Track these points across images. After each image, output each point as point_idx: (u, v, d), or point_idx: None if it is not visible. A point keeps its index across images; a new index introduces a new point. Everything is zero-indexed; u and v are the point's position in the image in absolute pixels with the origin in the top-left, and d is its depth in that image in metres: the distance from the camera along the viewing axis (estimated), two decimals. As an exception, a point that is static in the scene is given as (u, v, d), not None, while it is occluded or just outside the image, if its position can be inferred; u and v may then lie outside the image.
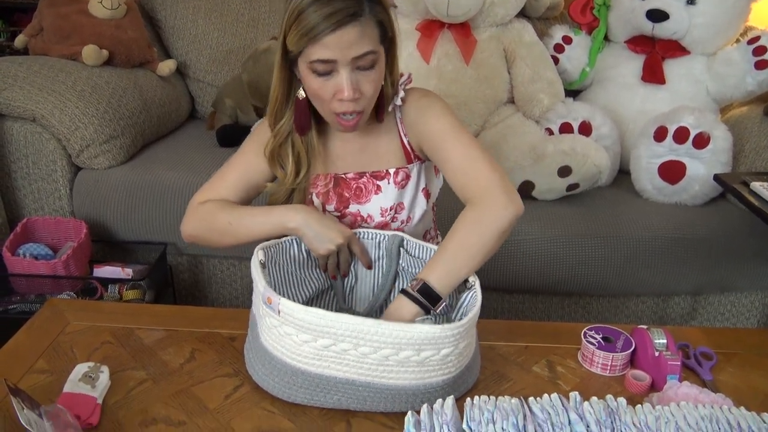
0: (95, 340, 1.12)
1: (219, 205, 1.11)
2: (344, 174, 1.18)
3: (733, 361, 1.13)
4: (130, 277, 1.55)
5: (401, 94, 1.13)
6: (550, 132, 1.84)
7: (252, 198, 1.19)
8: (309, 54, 1.00)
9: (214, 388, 1.02)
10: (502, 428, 0.78)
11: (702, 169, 1.63)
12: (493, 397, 0.85)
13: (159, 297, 1.64)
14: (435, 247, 1.09)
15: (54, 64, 1.78)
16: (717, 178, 1.49)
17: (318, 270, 1.13)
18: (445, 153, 1.10)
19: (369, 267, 1.13)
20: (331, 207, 1.18)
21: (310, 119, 1.13)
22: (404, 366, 0.92)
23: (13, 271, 1.50)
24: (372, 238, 1.14)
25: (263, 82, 2.00)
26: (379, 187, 1.18)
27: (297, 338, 0.93)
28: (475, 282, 1.01)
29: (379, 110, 1.12)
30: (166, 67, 2.09)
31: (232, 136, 1.94)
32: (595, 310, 1.72)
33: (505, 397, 0.85)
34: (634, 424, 0.80)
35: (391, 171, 1.17)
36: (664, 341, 1.08)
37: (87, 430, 0.92)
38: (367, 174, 1.18)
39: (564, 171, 1.63)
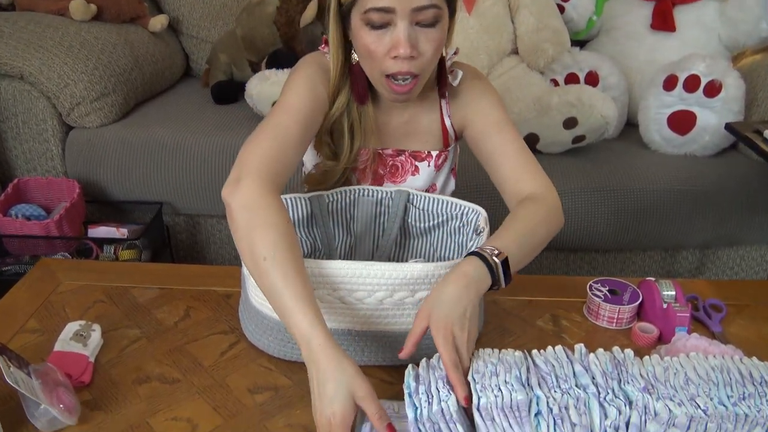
0: (88, 299, 1.09)
1: (275, 221, 0.84)
2: (382, 150, 1.11)
3: (744, 313, 1.09)
4: (125, 237, 1.52)
5: (459, 74, 1.05)
6: (556, 83, 1.78)
7: (309, 144, 1.03)
8: (364, 2, 0.91)
9: (209, 346, 0.99)
10: (505, 381, 0.75)
11: (713, 118, 1.57)
12: (496, 350, 0.82)
13: (156, 257, 1.61)
14: (444, 197, 1.05)
15: (41, 19, 1.72)
16: (729, 126, 1.43)
17: (313, 230, 1.09)
18: (501, 145, 1.03)
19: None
20: (365, 186, 1.10)
21: (368, 86, 1.03)
22: (400, 309, 0.89)
23: (5, 232, 1.47)
24: (371, 195, 1.09)
25: (258, 35, 1.93)
26: (417, 168, 1.12)
27: (290, 293, 0.89)
28: (485, 228, 0.96)
29: (441, 82, 1.04)
30: (158, 22, 2.02)
31: (228, 93, 1.88)
32: (601, 266, 1.68)
33: (509, 350, 0.82)
34: (641, 376, 0.76)
35: (434, 153, 1.11)
36: (673, 293, 1.04)
37: (79, 388, 0.90)
38: (407, 153, 1.11)
39: (570, 123, 1.57)
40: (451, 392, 0.74)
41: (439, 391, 0.74)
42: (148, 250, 1.55)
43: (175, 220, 1.74)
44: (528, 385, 0.75)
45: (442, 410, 0.72)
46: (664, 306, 1.02)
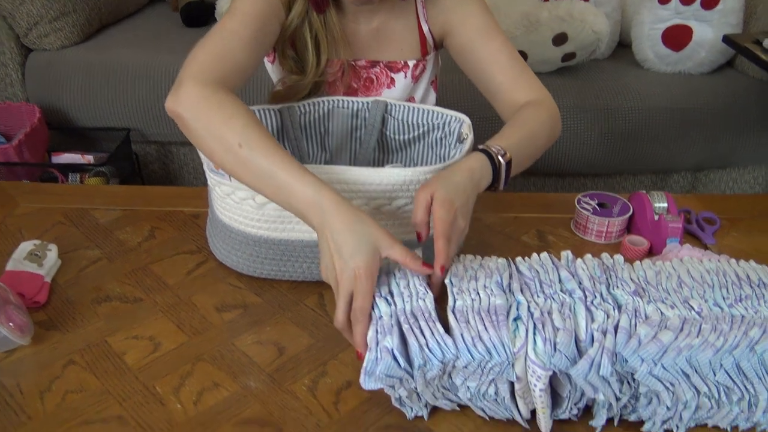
0: (46, 221, 1.03)
1: (235, 111, 0.76)
2: (354, 61, 1.03)
3: (738, 226, 1.04)
4: (91, 163, 1.44)
5: None
6: (545, -1, 1.68)
7: (266, 53, 0.96)
8: None
9: (174, 265, 0.94)
10: (485, 285, 0.70)
11: (710, 32, 1.49)
12: (479, 257, 0.76)
13: (127, 187, 1.54)
14: (425, 106, 0.98)
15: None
16: (727, 38, 1.36)
17: (284, 145, 1.02)
18: (491, 54, 0.96)
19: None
20: (339, 96, 1.02)
21: None
22: (376, 218, 0.83)
23: (-37, 160, 1.39)
24: (346, 107, 1.02)
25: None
26: (393, 80, 1.04)
27: (255, 201, 0.83)
28: (469, 135, 0.90)
29: None
30: (122, -60, 1.89)
31: (198, 15, 1.77)
32: (591, 190, 1.63)
33: (492, 257, 0.76)
34: (631, 280, 0.71)
35: (410, 63, 1.03)
36: (665, 204, 0.99)
37: (34, 309, 0.84)
38: (382, 64, 1.03)
39: (559, 39, 1.49)
40: (428, 290, 0.68)
41: (417, 289, 0.69)
42: (116, 178, 1.48)
43: (146, 150, 1.66)
44: (509, 291, 0.70)
45: (420, 308, 0.67)
46: (656, 217, 0.97)
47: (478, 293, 0.68)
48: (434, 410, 0.71)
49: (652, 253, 0.96)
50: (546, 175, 1.60)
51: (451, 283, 0.70)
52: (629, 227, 1.02)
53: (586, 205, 1.02)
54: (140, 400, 0.72)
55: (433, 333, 0.64)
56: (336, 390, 0.74)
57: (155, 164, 1.68)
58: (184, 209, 1.07)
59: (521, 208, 1.08)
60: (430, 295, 0.68)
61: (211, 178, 0.87)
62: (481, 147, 0.81)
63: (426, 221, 0.73)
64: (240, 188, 0.83)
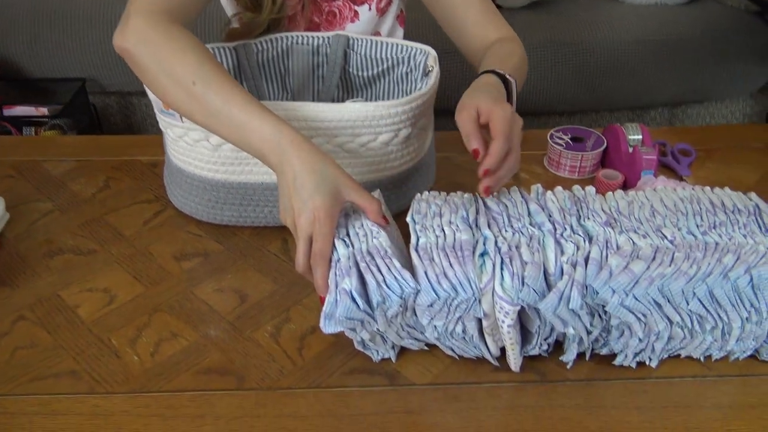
0: (-6, 174, 0.97)
1: (188, 45, 0.70)
2: None
3: (714, 156, 1.02)
4: (45, 116, 1.37)
5: None
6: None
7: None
8: None
9: (130, 215, 0.89)
10: (450, 221, 0.66)
11: (687, -40, 1.44)
12: (443, 193, 0.73)
13: (87, 141, 1.47)
14: (388, 39, 0.93)
15: None
16: (704, -35, 1.31)
17: (247, 83, 0.96)
18: None
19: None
20: (298, 32, 0.96)
21: None
22: (339, 157, 0.79)
23: None
24: (306, 43, 0.96)
25: None
26: (356, 14, 0.98)
27: (210, 143, 0.78)
28: (434, 67, 0.85)
29: None
30: None
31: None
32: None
33: (458, 192, 0.73)
34: (603, 210, 0.69)
35: None
36: (639, 136, 0.96)
37: (-19, 264, 0.80)
38: None
39: (532, -29, 1.43)
40: (381, 230, 0.65)
41: (371, 229, 0.66)
42: (74, 131, 1.41)
43: (105, 101, 1.58)
44: (476, 226, 0.67)
45: (376, 246, 0.63)
46: (630, 150, 0.94)
47: (442, 229, 0.65)
48: (402, 352, 0.69)
49: (626, 186, 0.93)
50: (521, 114, 1.56)
51: (414, 221, 0.66)
52: (603, 161, 0.99)
53: (558, 140, 0.98)
54: (95, 353, 0.68)
55: (390, 269, 0.61)
56: (300, 336, 0.71)
57: (116, 116, 1.61)
58: (141, 158, 1.02)
59: (493, 146, 1.05)
60: (384, 234, 0.65)
61: (162, 120, 0.82)
62: (484, 71, 0.78)
63: (481, 137, 0.69)
64: (193, 129, 0.79)
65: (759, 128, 1.13)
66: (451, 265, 0.61)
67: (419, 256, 0.62)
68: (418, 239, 0.64)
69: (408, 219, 0.67)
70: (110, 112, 1.60)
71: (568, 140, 0.98)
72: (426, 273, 0.61)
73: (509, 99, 0.78)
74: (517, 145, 0.70)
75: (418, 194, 0.72)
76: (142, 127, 1.60)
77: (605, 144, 0.97)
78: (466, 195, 0.72)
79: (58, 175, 0.98)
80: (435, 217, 0.67)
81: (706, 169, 0.99)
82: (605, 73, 1.46)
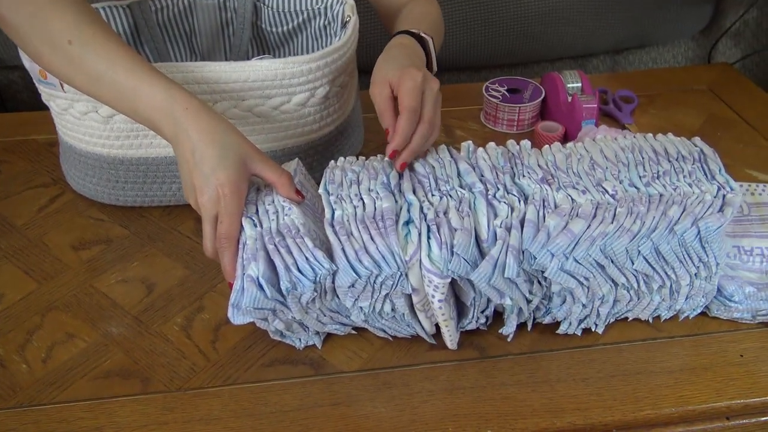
0: None
1: (65, 3, 0.59)
2: None
3: (657, 102, 0.97)
4: (-65, 96, 1.23)
5: None
6: None
7: None
8: None
9: (23, 203, 0.79)
10: (369, 189, 0.59)
11: None
12: (362, 158, 0.66)
13: (-9, 122, 1.33)
14: None
15: None
16: None
17: (142, 50, 0.85)
18: None
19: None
20: None
21: None
22: (249, 123, 0.71)
23: None
24: (213, -1, 0.86)
25: None
26: None
27: (99, 114, 0.69)
28: (352, 17, 0.76)
29: None
30: None
31: None
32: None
33: (377, 155, 0.65)
34: (539, 166, 0.62)
35: None
36: (579, 84, 0.90)
37: None
38: None
39: None
40: (294, 206, 0.58)
41: (282, 205, 0.58)
42: (-28, 111, 1.28)
43: (9, 77, 1.43)
44: (399, 191, 0.60)
45: (287, 224, 0.56)
46: (569, 99, 0.88)
47: (361, 199, 0.58)
48: (328, 337, 0.62)
49: (567, 138, 0.88)
50: (458, 69, 1.49)
51: (327, 192, 0.59)
52: (543, 113, 0.93)
53: (494, 92, 0.92)
54: (-25, 365, 0.60)
55: (301, 249, 0.54)
56: (214, 326, 0.63)
57: (23, 93, 1.46)
58: (37, 137, 0.91)
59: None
60: (296, 209, 0.57)
61: (43, 91, 0.72)
62: (398, 31, 0.72)
63: (394, 115, 0.62)
64: (78, 100, 0.69)
65: (700, 70, 1.09)
66: (372, 238, 0.54)
67: (335, 231, 0.55)
68: (333, 213, 0.57)
69: (320, 191, 0.59)
70: (16, 89, 1.45)
71: (505, 92, 0.92)
72: (344, 250, 0.54)
73: (428, 58, 0.72)
74: (431, 111, 0.62)
75: (332, 161, 0.64)
76: (52, 103, 1.46)
77: (543, 94, 0.91)
78: (387, 158, 0.65)
79: (-60, 161, 0.86)
80: (352, 185, 0.60)
81: (649, 115, 0.94)
82: (544, 21, 1.39)
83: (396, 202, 0.58)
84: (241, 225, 0.57)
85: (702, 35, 1.57)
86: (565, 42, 1.43)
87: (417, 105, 0.61)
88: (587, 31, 1.42)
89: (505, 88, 0.92)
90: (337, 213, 0.56)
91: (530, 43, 1.41)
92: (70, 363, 0.60)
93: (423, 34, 0.72)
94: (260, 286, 0.53)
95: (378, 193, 0.58)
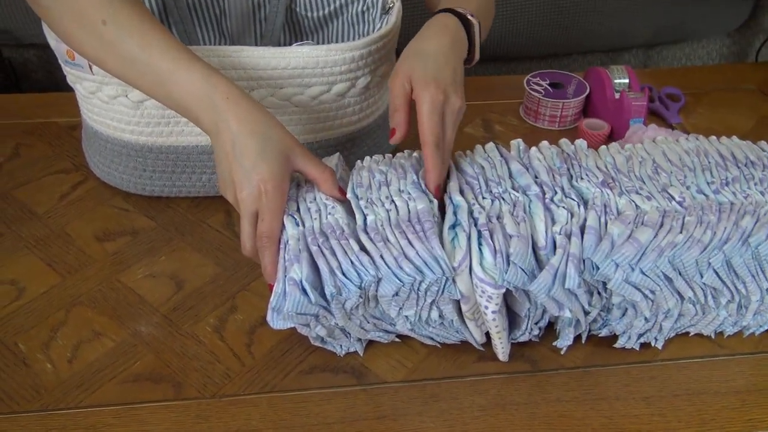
0: None
1: None
2: None
3: (704, 100, 0.93)
4: (-51, 74, 1.19)
5: None
6: None
7: None
8: None
9: (44, 189, 0.76)
10: (399, 190, 0.55)
11: None
12: (389, 156, 0.62)
13: (5, 101, 1.30)
14: None
15: None
16: None
17: (175, 28, 0.82)
18: None
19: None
20: None
21: None
22: (287, 113, 0.67)
23: None
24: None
25: None
26: None
27: (129, 99, 0.65)
28: (396, 3, 0.72)
29: None
30: None
31: None
32: (534, 76, 1.48)
33: (404, 152, 0.61)
34: (598, 168, 0.59)
35: None
36: (626, 80, 0.86)
37: None
38: None
39: None
40: (337, 204, 0.54)
41: (324, 203, 0.54)
42: (-12, 91, 1.24)
43: (24, 56, 1.40)
44: (446, 193, 0.56)
45: (331, 224, 0.52)
46: (616, 96, 0.84)
47: (393, 201, 0.54)
48: (370, 343, 0.59)
49: (612, 137, 0.84)
50: (488, 60, 1.44)
51: (356, 196, 0.55)
52: (585, 109, 0.89)
53: (536, 87, 0.87)
54: (-3, 363, 0.56)
55: (346, 252, 0.50)
56: (248, 328, 0.60)
57: (38, 73, 1.43)
58: (58, 120, 0.87)
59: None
60: (340, 208, 0.54)
61: (69, 73, 0.68)
62: (442, 9, 0.64)
63: (406, 116, 0.57)
64: (107, 83, 0.65)
65: (747, 68, 1.04)
66: (410, 243, 0.50)
67: (370, 238, 0.51)
68: (365, 218, 0.53)
69: (349, 195, 0.55)
70: (30, 68, 1.42)
71: (547, 86, 0.87)
72: (383, 257, 0.50)
73: (471, 45, 0.65)
74: (450, 137, 0.57)
75: (358, 162, 0.60)
76: (69, 84, 1.42)
77: (588, 90, 0.87)
78: (415, 154, 0.60)
79: (-43, 143, 0.83)
80: (381, 187, 0.56)
81: (697, 115, 0.90)
82: (578, 12, 1.34)
83: (431, 202, 0.54)
84: (283, 223, 0.53)
85: (738, 32, 1.52)
86: (598, 34, 1.39)
87: (439, 133, 0.55)
88: (622, 23, 1.37)
89: (547, 82, 0.88)
90: (370, 218, 0.53)
91: (562, 35, 1.36)
92: (97, 364, 0.56)
93: (470, 17, 0.65)
94: (304, 290, 0.50)
95: (410, 193, 0.54)
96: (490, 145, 0.62)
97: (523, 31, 1.33)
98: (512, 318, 0.57)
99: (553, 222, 0.54)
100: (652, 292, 0.52)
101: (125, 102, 0.66)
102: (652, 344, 0.58)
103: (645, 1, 1.35)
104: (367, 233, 0.52)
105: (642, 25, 1.38)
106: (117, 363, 0.57)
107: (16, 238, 0.69)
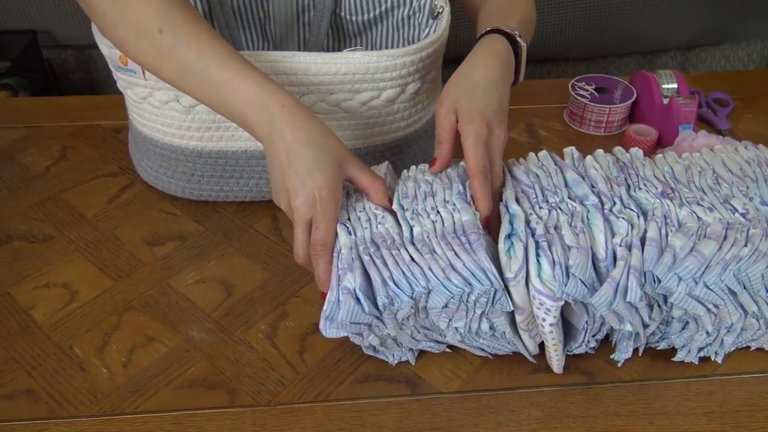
0: (-71, 147, 0.83)
1: None
2: None
3: (753, 106, 0.91)
4: (-8, 74, 1.21)
5: None
6: None
7: None
8: None
9: (92, 192, 0.77)
10: (445, 200, 0.55)
11: None
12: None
13: (43, 102, 1.32)
14: None
15: None
16: None
17: (220, 32, 0.82)
18: None
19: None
20: None
21: None
22: (336, 118, 0.67)
23: None
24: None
25: None
26: None
27: (180, 104, 0.65)
28: (444, 8, 0.72)
29: None
30: None
31: None
32: (571, 78, 1.46)
33: (453, 160, 0.60)
34: (656, 178, 0.58)
35: None
36: (675, 85, 0.84)
37: None
38: None
39: None
40: (387, 213, 0.54)
41: (374, 212, 0.54)
42: (27, 91, 1.26)
43: (62, 56, 1.42)
44: (502, 202, 0.56)
45: (381, 234, 0.52)
46: (665, 101, 0.82)
47: (438, 212, 0.54)
48: (422, 353, 0.58)
49: (660, 143, 0.82)
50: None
51: (402, 207, 0.55)
52: (631, 114, 0.88)
53: (582, 91, 0.86)
54: (54, 367, 0.57)
55: (397, 262, 0.50)
56: (300, 335, 0.60)
57: (75, 73, 1.45)
58: (102, 123, 0.88)
59: (505, 100, 0.93)
60: (390, 217, 0.53)
61: (121, 78, 0.68)
62: (491, 29, 0.64)
63: (449, 149, 0.58)
64: (159, 88, 0.66)
65: (795, 72, 1.02)
66: (457, 255, 0.50)
67: (418, 250, 0.51)
68: (411, 230, 0.53)
69: (394, 206, 0.55)
70: (68, 69, 1.44)
71: (593, 91, 0.86)
72: (431, 269, 0.50)
73: (517, 66, 0.65)
74: (497, 167, 0.57)
75: (404, 172, 0.60)
76: (105, 84, 1.44)
77: (635, 95, 0.86)
78: (461, 163, 0.60)
79: (5, 145, 0.84)
80: (427, 198, 0.55)
81: (747, 120, 0.88)
82: (615, 14, 1.33)
83: (475, 213, 0.53)
84: (335, 232, 0.53)
85: (781, 33, 1.49)
86: (636, 36, 1.37)
87: (485, 164, 0.55)
88: (662, 25, 1.35)
89: (593, 86, 0.87)
90: (416, 230, 0.52)
91: (599, 38, 1.35)
92: (152, 369, 0.57)
93: (519, 38, 0.64)
94: (357, 299, 0.50)
95: (455, 204, 0.54)
96: (544, 153, 0.62)
97: (559, 33, 1.32)
98: (567, 329, 0.56)
99: (613, 233, 0.53)
100: (716, 306, 0.51)
101: (176, 107, 0.66)
102: (712, 358, 0.57)
103: (684, 3, 1.32)
104: (414, 245, 0.51)
105: (680, 27, 1.36)
106: (171, 368, 0.57)
107: (67, 241, 0.70)
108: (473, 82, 0.58)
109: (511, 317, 0.54)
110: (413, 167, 0.61)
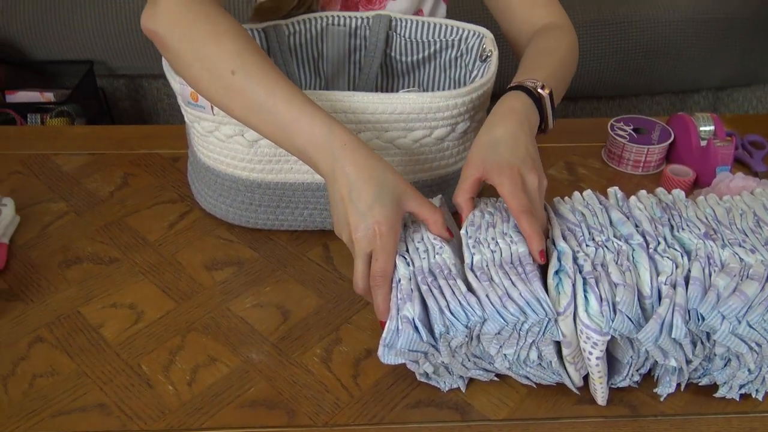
0: (0, 170, 0.88)
1: (227, 28, 0.61)
2: None
3: (788, 149, 0.93)
4: (51, 101, 1.28)
5: None
6: None
7: None
8: None
9: (153, 218, 0.81)
10: (503, 232, 0.58)
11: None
12: (494, 198, 0.64)
13: (96, 128, 1.38)
14: (436, 20, 0.84)
15: None
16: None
17: (288, 67, 0.87)
18: None
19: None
20: (334, 12, 0.85)
21: None
22: (389, 155, 0.71)
23: None
24: (342, 24, 0.87)
25: None
26: None
27: (245, 138, 0.70)
28: (493, 52, 0.76)
29: None
30: None
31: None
32: (605, 115, 1.50)
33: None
34: (699, 219, 0.60)
35: None
36: (712, 128, 0.87)
37: (-9, 276, 0.72)
38: None
39: (572, -57, 1.32)
40: (444, 244, 0.57)
41: (432, 243, 0.58)
42: (83, 118, 1.32)
43: (114, 85, 1.49)
44: (549, 239, 0.59)
45: (438, 264, 0.56)
46: (702, 143, 0.85)
47: (497, 243, 0.57)
48: (472, 380, 0.61)
49: (698, 184, 0.85)
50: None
51: (467, 234, 0.58)
52: (668, 155, 0.91)
53: (620, 132, 0.89)
54: (124, 383, 0.61)
55: (454, 292, 0.53)
56: (354, 360, 0.63)
57: (125, 101, 1.51)
58: (160, 151, 0.93)
59: (545, 137, 0.95)
60: (447, 248, 0.57)
61: (189, 113, 0.73)
62: (511, 85, 0.68)
63: (468, 202, 0.61)
64: (225, 123, 0.70)
65: (829, 116, 1.04)
66: (513, 284, 0.53)
67: (477, 276, 0.54)
68: (472, 257, 0.56)
69: (462, 232, 0.58)
70: (119, 96, 1.51)
71: (631, 131, 0.89)
72: (488, 296, 0.53)
73: (543, 117, 0.67)
74: (539, 208, 0.59)
75: (477, 200, 0.64)
76: (153, 111, 1.50)
77: (672, 136, 0.89)
78: None
79: (71, 171, 0.89)
80: (488, 228, 0.59)
81: (782, 163, 0.91)
82: (649, 55, 1.36)
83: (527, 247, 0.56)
84: (395, 263, 0.57)
85: (813, 76, 1.52)
86: (668, 77, 1.40)
87: (526, 202, 0.57)
88: (695, 66, 1.38)
89: (631, 127, 0.90)
90: (476, 258, 0.56)
91: (633, 78, 1.38)
92: (215, 388, 0.60)
93: (540, 90, 0.67)
94: (416, 328, 0.53)
95: (512, 237, 0.57)
96: (588, 193, 0.65)
97: (594, 73, 1.35)
98: (612, 363, 0.59)
99: (658, 272, 0.56)
100: (758, 344, 0.54)
101: (241, 141, 0.71)
102: (753, 395, 0.58)
103: (718, 42, 1.36)
104: (473, 272, 0.55)
105: (713, 68, 1.39)
106: (233, 388, 0.60)
107: (131, 264, 0.74)
108: (495, 139, 0.61)
109: (558, 348, 0.57)
110: (478, 199, 0.64)
